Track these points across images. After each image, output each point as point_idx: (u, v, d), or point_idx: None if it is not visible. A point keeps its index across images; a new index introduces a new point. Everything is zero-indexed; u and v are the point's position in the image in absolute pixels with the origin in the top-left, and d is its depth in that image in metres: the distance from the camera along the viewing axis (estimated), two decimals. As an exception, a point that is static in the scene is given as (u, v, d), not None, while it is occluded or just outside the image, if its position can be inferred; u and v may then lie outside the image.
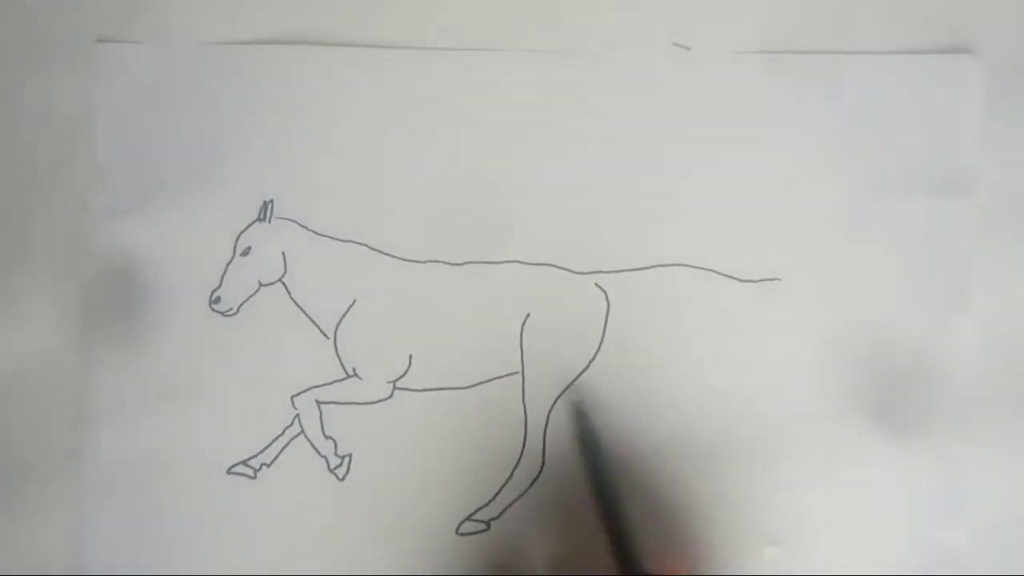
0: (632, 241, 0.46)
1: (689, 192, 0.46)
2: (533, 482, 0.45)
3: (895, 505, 0.45)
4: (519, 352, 0.45)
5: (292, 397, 0.46)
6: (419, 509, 0.45)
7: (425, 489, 0.45)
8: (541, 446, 0.45)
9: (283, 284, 0.46)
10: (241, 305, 0.46)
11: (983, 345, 0.45)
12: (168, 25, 0.47)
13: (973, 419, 0.45)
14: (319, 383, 0.46)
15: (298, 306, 0.46)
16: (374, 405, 0.46)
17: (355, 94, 0.47)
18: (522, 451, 0.45)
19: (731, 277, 0.45)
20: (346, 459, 0.45)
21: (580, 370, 0.45)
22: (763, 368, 0.45)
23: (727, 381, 0.45)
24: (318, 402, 0.46)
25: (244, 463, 0.45)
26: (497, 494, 0.45)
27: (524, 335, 0.46)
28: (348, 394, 0.46)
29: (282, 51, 0.47)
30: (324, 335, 0.46)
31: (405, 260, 0.46)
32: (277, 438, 0.45)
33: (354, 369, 0.46)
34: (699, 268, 0.45)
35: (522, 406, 0.45)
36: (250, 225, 0.46)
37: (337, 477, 0.45)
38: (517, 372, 0.45)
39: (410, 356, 0.46)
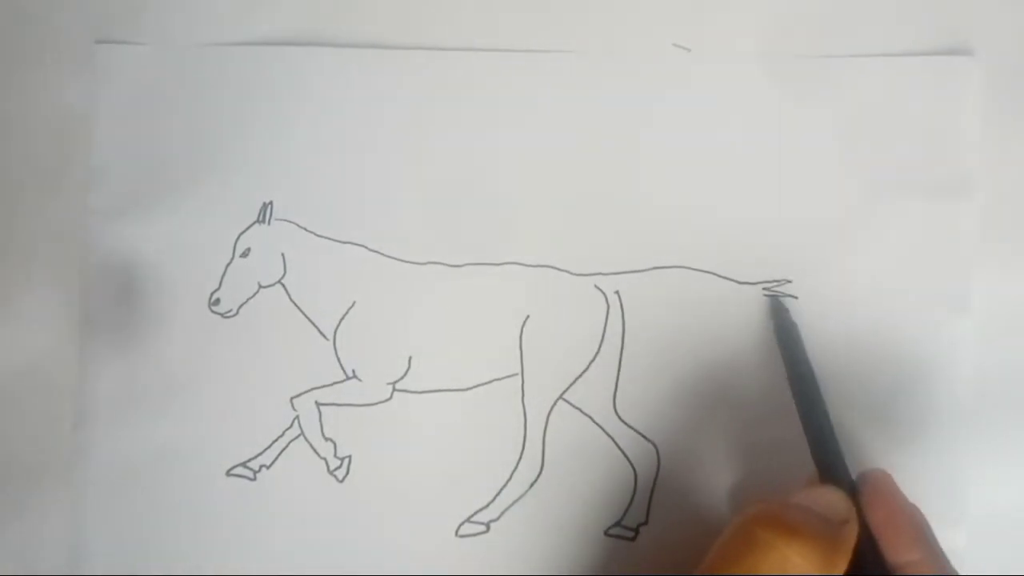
0: (631, 243, 0.46)
1: (689, 194, 0.46)
2: (532, 484, 0.45)
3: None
4: (518, 354, 0.45)
5: (291, 399, 0.46)
6: (418, 511, 0.45)
7: (424, 491, 0.45)
8: (540, 448, 0.45)
9: (283, 286, 0.46)
10: (240, 307, 0.46)
11: (983, 346, 0.45)
12: (168, 26, 0.47)
13: (973, 420, 0.45)
14: (318, 385, 0.46)
15: (297, 308, 0.46)
16: (374, 407, 0.46)
17: (354, 95, 0.47)
18: (521, 453, 0.45)
19: (730, 279, 0.45)
20: (346, 461, 0.45)
21: (580, 372, 0.45)
22: (762, 369, 0.45)
23: (727, 382, 0.45)
24: (317, 404, 0.46)
25: (244, 465, 0.45)
26: (496, 496, 0.45)
27: (523, 337, 0.46)
28: (348, 396, 0.46)
29: (282, 52, 0.47)
30: (323, 337, 0.46)
31: (404, 262, 0.46)
32: (276, 440, 0.45)
33: (353, 371, 0.46)
34: (698, 271, 0.45)
35: (522, 408, 0.45)
36: (249, 227, 0.46)
37: (337, 479, 0.45)
38: (516, 374, 0.45)
39: (409, 358, 0.46)
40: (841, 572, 0.34)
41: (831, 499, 0.36)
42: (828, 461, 0.39)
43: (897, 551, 0.35)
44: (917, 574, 0.34)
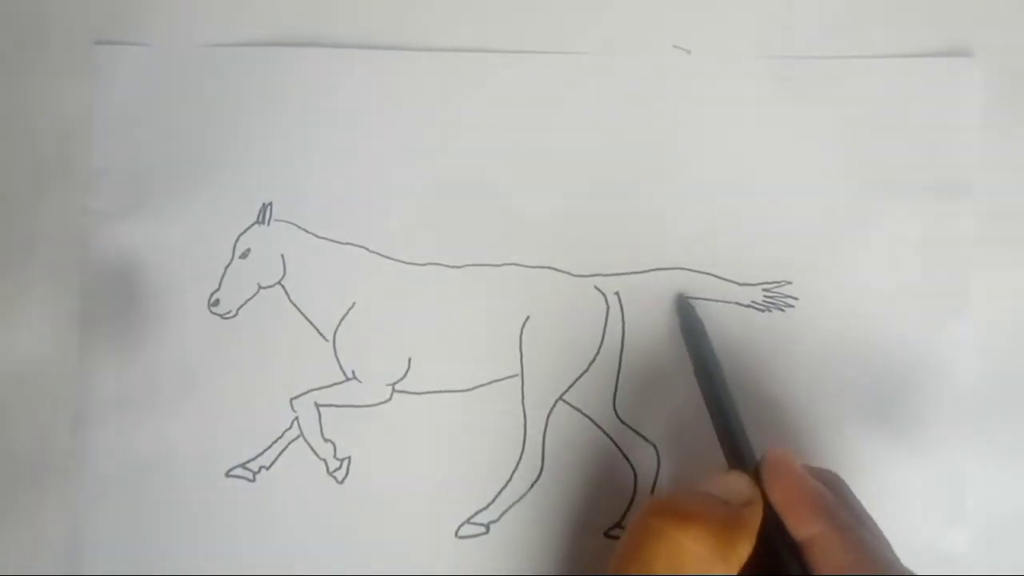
0: (631, 244, 0.46)
1: (688, 195, 0.46)
2: (532, 485, 0.45)
3: (894, 507, 0.45)
4: (518, 355, 0.45)
5: (291, 400, 0.46)
6: (418, 512, 0.45)
7: (424, 492, 0.45)
8: (540, 449, 0.45)
9: (282, 286, 0.46)
10: (240, 307, 0.46)
11: (982, 348, 0.45)
12: (166, 27, 0.47)
13: (973, 421, 0.45)
14: (318, 386, 0.46)
15: (297, 309, 0.46)
16: (373, 408, 0.46)
17: (354, 96, 0.46)
18: (521, 454, 0.45)
19: (730, 281, 0.45)
20: (345, 462, 0.45)
21: (579, 372, 0.45)
22: (762, 372, 0.45)
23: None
24: (317, 405, 0.45)
25: (243, 466, 0.45)
26: (496, 497, 0.45)
27: (523, 338, 0.45)
28: (347, 397, 0.46)
29: (280, 53, 0.47)
30: (323, 338, 0.46)
31: (404, 263, 0.46)
32: (276, 441, 0.45)
33: (353, 372, 0.46)
34: (698, 272, 0.45)
35: (521, 409, 0.45)
36: (249, 227, 0.46)
37: (336, 480, 0.45)
38: (516, 375, 0.45)
39: (409, 359, 0.46)
40: (744, 553, 0.34)
41: (734, 483, 0.36)
42: (733, 447, 0.39)
43: (800, 526, 0.35)
44: (819, 548, 0.34)
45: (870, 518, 0.37)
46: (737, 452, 0.39)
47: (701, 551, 0.33)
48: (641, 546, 0.34)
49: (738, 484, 0.36)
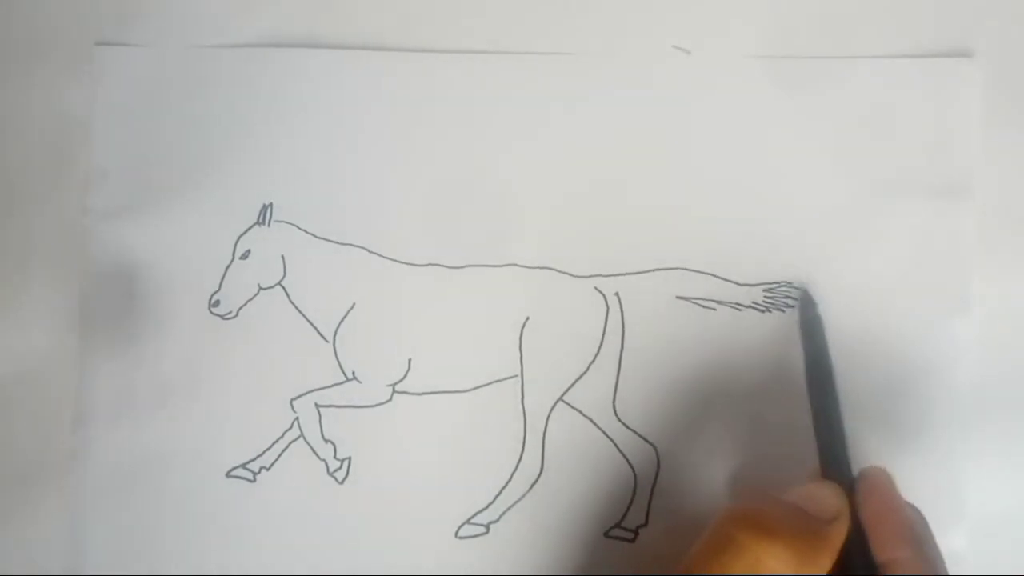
0: (632, 244, 0.46)
1: (688, 195, 0.46)
2: (532, 486, 0.45)
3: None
4: (518, 355, 0.45)
5: (291, 400, 0.46)
6: (418, 512, 0.45)
7: (424, 492, 0.45)
8: (540, 449, 0.45)
9: (282, 287, 0.46)
10: (240, 308, 0.46)
11: (983, 347, 0.45)
12: (167, 28, 0.47)
13: (973, 420, 0.45)
14: (318, 386, 0.46)
15: (297, 309, 0.46)
16: (373, 408, 0.46)
17: (354, 97, 0.46)
18: (521, 454, 0.45)
19: (730, 281, 0.45)
20: (345, 462, 0.45)
21: (579, 373, 0.45)
22: (762, 372, 0.45)
23: (726, 384, 0.45)
24: (317, 405, 0.45)
25: (243, 466, 0.45)
26: (496, 498, 0.45)
27: (523, 338, 0.45)
28: (347, 397, 0.46)
29: (281, 54, 0.47)
30: (323, 338, 0.46)
31: (404, 263, 0.46)
32: (276, 441, 0.45)
33: (353, 372, 0.46)
34: (698, 272, 0.45)
35: (521, 409, 0.45)
36: (249, 228, 0.46)
37: (336, 480, 0.45)
38: (516, 375, 0.45)
39: (409, 359, 0.46)
40: (825, 570, 0.34)
41: (823, 496, 0.36)
42: (833, 455, 0.39)
43: (884, 548, 0.34)
44: (901, 572, 0.34)
45: (944, 562, 0.37)
46: (835, 461, 0.38)
47: (781, 568, 0.33)
48: (718, 554, 0.34)
49: (827, 497, 0.36)
